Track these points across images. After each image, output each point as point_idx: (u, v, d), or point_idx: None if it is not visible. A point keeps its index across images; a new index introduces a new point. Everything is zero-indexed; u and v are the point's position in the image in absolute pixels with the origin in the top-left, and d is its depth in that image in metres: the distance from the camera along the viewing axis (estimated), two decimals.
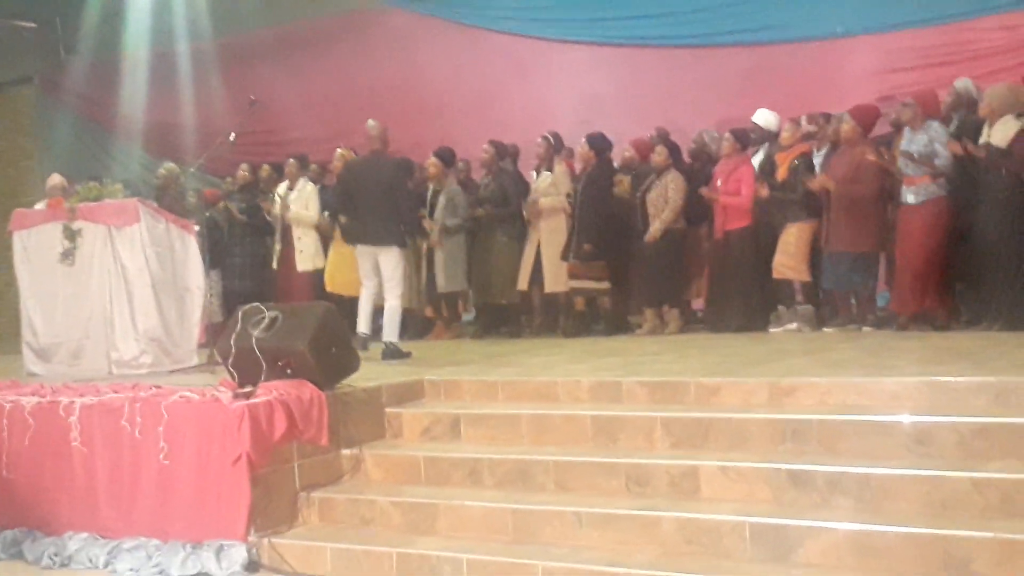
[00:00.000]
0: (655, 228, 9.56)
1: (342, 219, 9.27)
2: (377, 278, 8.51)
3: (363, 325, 8.53)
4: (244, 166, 11.74)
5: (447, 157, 10.71)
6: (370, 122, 8.70)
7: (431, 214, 10.54)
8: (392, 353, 8.28)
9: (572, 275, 9.86)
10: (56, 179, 10.57)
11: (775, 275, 9.11)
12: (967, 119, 8.57)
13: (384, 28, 13.91)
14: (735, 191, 9.28)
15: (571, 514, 5.16)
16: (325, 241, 10.99)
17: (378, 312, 8.60)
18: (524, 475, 5.67)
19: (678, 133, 10.51)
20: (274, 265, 11.08)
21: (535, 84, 12.69)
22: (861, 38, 10.81)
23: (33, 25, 16.83)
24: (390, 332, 8.39)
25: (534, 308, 10.62)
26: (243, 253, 11.28)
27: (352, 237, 8.78)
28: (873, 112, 8.95)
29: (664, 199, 9.58)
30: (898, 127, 8.92)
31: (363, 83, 13.72)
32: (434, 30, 13.58)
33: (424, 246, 10.69)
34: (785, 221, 9.06)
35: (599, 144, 10.04)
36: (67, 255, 8.70)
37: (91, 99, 16.27)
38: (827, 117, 9.66)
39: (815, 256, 9.02)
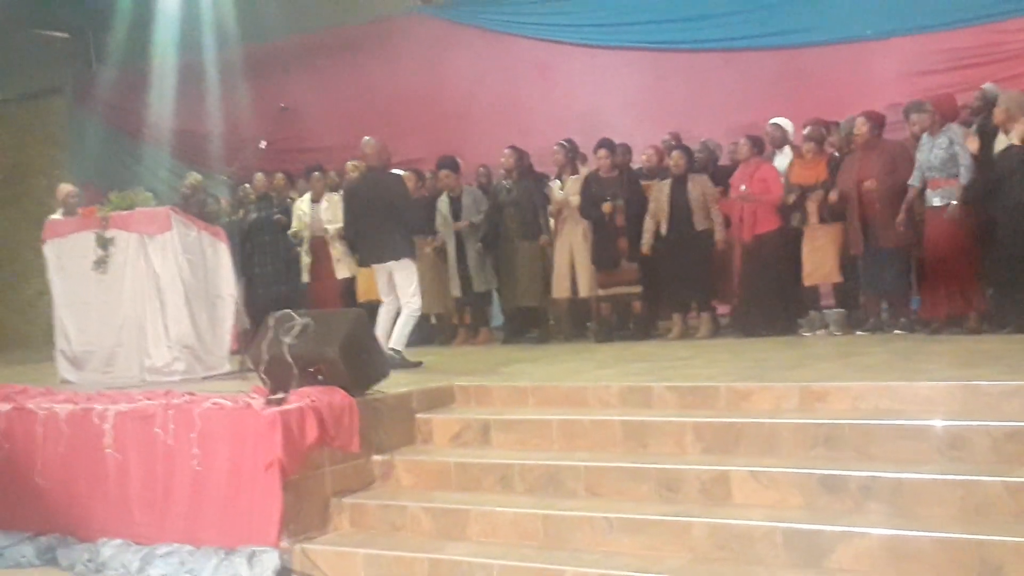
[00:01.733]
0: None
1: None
2: (394, 293, 8.47)
3: (383, 339, 8.30)
4: (259, 175, 11.70)
5: (452, 164, 10.70)
6: (365, 139, 8.66)
7: (455, 218, 10.57)
8: (397, 362, 7.97)
9: (602, 282, 9.85)
10: (67, 188, 10.62)
11: (806, 282, 9.08)
12: (986, 122, 8.52)
13: (409, 35, 13.95)
14: (763, 191, 9.24)
15: (602, 519, 5.15)
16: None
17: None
18: (554, 480, 5.67)
19: (695, 139, 10.47)
20: (305, 278, 11.09)
21: (560, 89, 12.71)
22: (890, 41, 10.77)
23: (65, 36, 17.01)
24: (398, 340, 8.28)
25: (563, 313, 10.61)
26: (263, 262, 11.27)
27: (364, 259, 8.80)
28: (881, 117, 8.89)
29: (704, 200, 9.54)
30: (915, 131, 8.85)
31: (388, 90, 13.77)
32: (459, 36, 13.62)
33: (451, 252, 10.69)
34: (807, 223, 9.01)
35: (616, 149, 10.02)
36: (100, 263, 8.78)
37: (122, 108, 16.39)
38: (827, 127, 9.58)
39: (844, 259, 8.96)
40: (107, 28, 16.05)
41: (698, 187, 9.58)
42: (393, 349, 8.17)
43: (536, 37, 13.15)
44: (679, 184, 9.62)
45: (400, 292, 8.40)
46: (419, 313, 8.52)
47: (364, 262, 8.79)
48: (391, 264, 8.41)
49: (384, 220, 8.36)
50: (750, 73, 11.49)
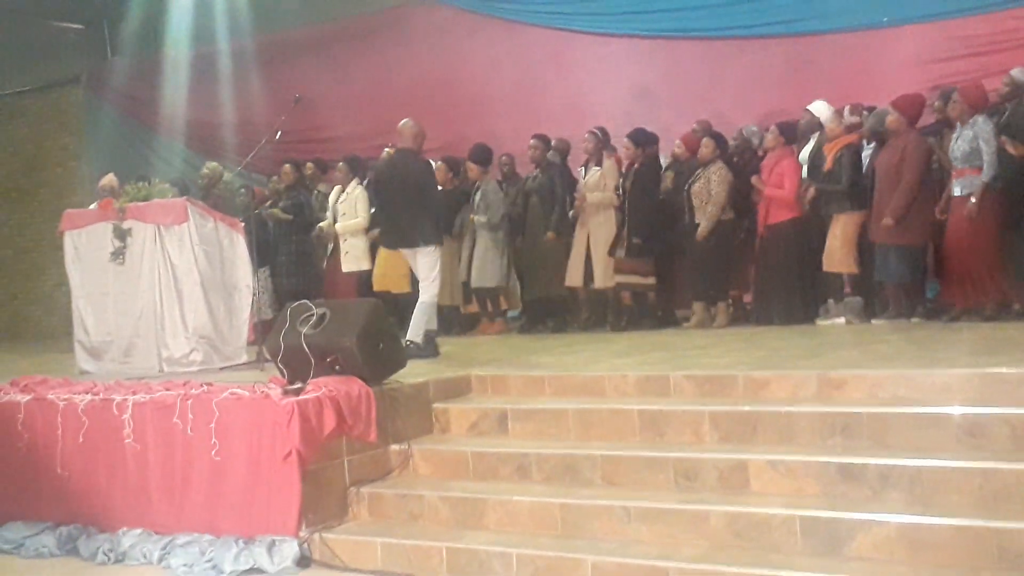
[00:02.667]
0: (703, 228, 9.53)
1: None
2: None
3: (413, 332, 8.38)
4: (287, 165, 11.77)
5: (481, 158, 10.68)
6: (404, 121, 8.54)
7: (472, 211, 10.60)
8: (414, 351, 7.91)
9: (619, 271, 9.85)
10: (110, 179, 10.67)
11: (824, 268, 9.07)
12: (1018, 110, 8.47)
13: (424, 24, 13.93)
14: (778, 184, 9.24)
15: (619, 508, 5.16)
16: (374, 244, 11.02)
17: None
18: (572, 469, 5.68)
19: (724, 126, 10.46)
20: (323, 264, 11.16)
21: (576, 78, 12.67)
22: (906, 27, 10.69)
23: (80, 26, 17.04)
24: (414, 331, 8.23)
25: (580, 303, 10.62)
26: (289, 251, 11.35)
27: (388, 242, 8.80)
28: (919, 101, 8.86)
29: (708, 192, 9.55)
30: (945, 122, 8.81)
31: (404, 79, 13.75)
32: (474, 25, 13.59)
33: (465, 243, 10.72)
34: (831, 212, 9.00)
35: (642, 139, 10.02)
36: (117, 254, 8.82)
37: (137, 98, 16.43)
38: (870, 109, 9.58)
39: (863, 247, 8.94)
40: (122, 19, 16.09)
41: (704, 179, 9.58)
42: (410, 341, 8.13)
43: (550, 26, 13.12)
44: (693, 175, 9.66)
45: (420, 277, 8.39)
46: (435, 300, 8.45)
47: (389, 245, 8.75)
48: (416, 250, 8.37)
49: (410, 204, 8.30)
50: (766, 61, 11.44)
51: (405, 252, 8.56)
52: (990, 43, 10.19)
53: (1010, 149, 8.02)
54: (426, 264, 8.34)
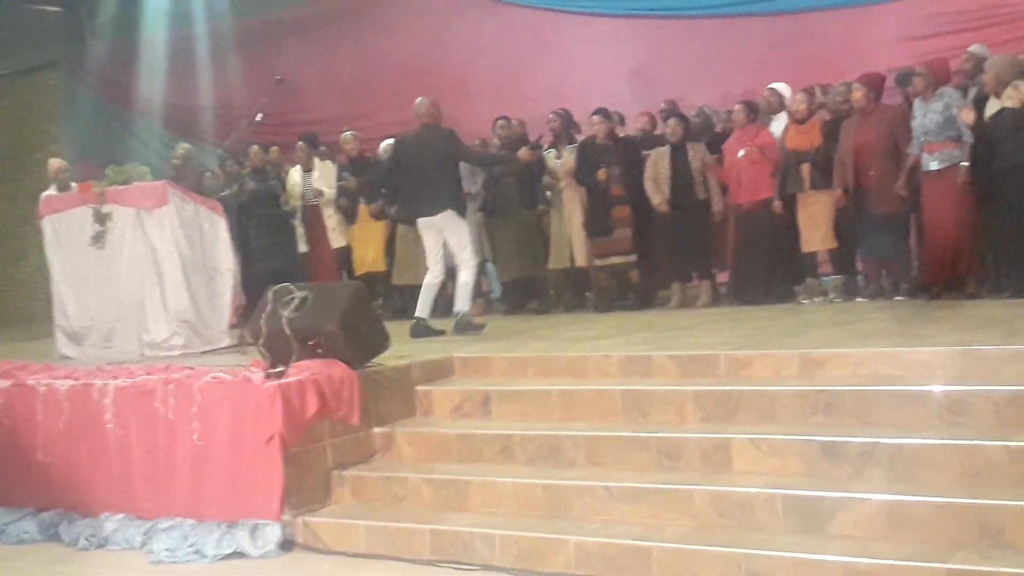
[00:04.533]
0: (718, 204, 9.51)
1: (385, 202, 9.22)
2: (443, 262, 8.45)
3: (423, 310, 8.38)
4: (255, 148, 11.53)
5: None
6: (419, 100, 8.62)
7: None
8: (466, 326, 8.23)
9: (600, 254, 9.82)
10: (56, 163, 10.57)
11: (804, 249, 9.07)
12: (980, 86, 8.50)
13: (407, 4, 13.88)
14: (758, 157, 9.20)
15: (602, 489, 5.17)
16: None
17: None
18: (555, 450, 5.68)
19: (703, 104, 10.43)
20: (303, 248, 11.10)
21: (559, 58, 12.65)
22: (888, 5, 10.70)
23: (58, 10, 16.91)
24: (463, 302, 8.34)
25: (561, 284, 10.59)
26: (260, 235, 11.23)
27: (411, 213, 8.72)
28: (882, 79, 8.85)
29: (704, 168, 9.50)
30: (908, 98, 8.81)
31: (386, 60, 13.71)
32: (457, 5, 13.56)
33: None
34: (803, 189, 8.99)
35: (610, 116, 9.99)
36: (98, 239, 8.76)
37: (116, 83, 16.33)
38: (824, 89, 9.56)
39: (840, 224, 8.93)
40: (100, 2, 15.98)
41: (698, 155, 9.55)
42: (462, 313, 8.29)
43: (533, 6, 13.07)
44: (679, 152, 9.58)
45: (456, 253, 8.41)
46: (476, 270, 8.61)
47: (411, 216, 8.72)
48: (440, 220, 8.35)
49: (438, 174, 8.34)
50: (748, 40, 11.44)
51: (427, 223, 8.45)
52: (974, 19, 10.21)
53: (968, 119, 8.04)
54: (455, 234, 8.39)
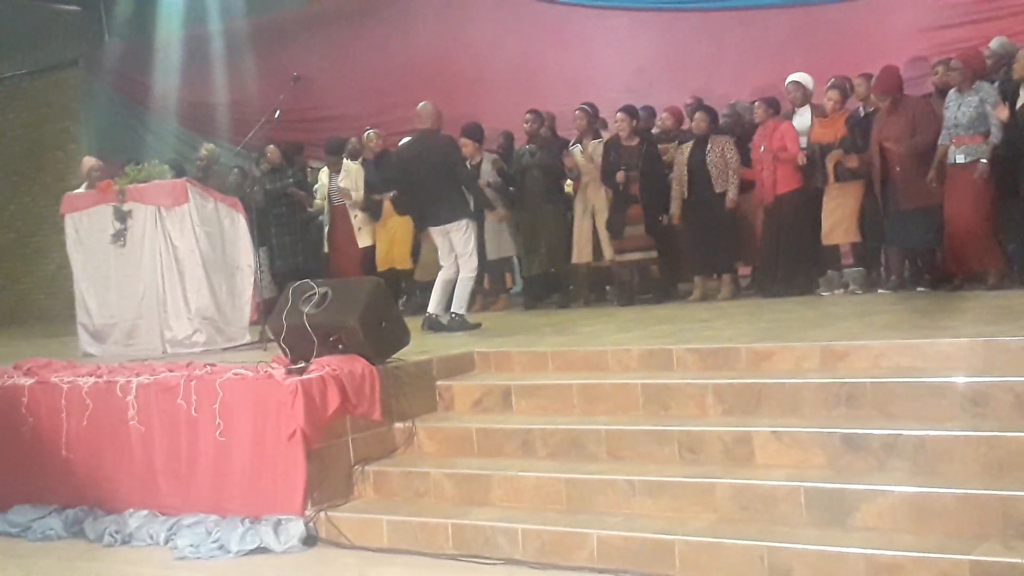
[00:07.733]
0: (732, 194, 9.49)
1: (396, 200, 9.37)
2: (453, 256, 8.53)
3: (434, 305, 8.51)
4: (271, 147, 11.58)
5: (476, 135, 10.65)
6: (422, 104, 8.67)
7: None
8: (458, 324, 8.32)
9: (620, 249, 9.82)
10: (90, 162, 10.62)
11: (825, 242, 9.04)
12: (1006, 79, 8.43)
13: (422, 0, 13.86)
14: (780, 147, 9.18)
15: (624, 482, 5.17)
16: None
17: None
18: (576, 444, 5.69)
19: (723, 99, 10.39)
20: (325, 249, 11.13)
21: (575, 53, 12.58)
22: None
23: (77, 9, 16.97)
24: (459, 304, 8.42)
25: (582, 278, 10.59)
26: (281, 233, 11.28)
27: (421, 222, 8.88)
28: (896, 73, 8.80)
29: (724, 163, 9.49)
30: (942, 89, 8.74)
31: (401, 57, 13.67)
32: (471, 0, 13.51)
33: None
34: (827, 183, 8.95)
35: (635, 113, 9.99)
36: (118, 236, 8.83)
37: (135, 80, 16.35)
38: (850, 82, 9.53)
39: (864, 217, 8.90)
40: (118, 0, 16.02)
41: (718, 149, 9.53)
42: (455, 313, 8.36)
43: (549, 1, 13.03)
44: (699, 146, 9.58)
45: (459, 253, 8.49)
46: (476, 274, 8.66)
47: (422, 225, 8.81)
48: (450, 226, 8.46)
49: (439, 182, 8.42)
50: (766, 32, 11.35)
51: (435, 232, 8.62)
52: (992, 10, 10.10)
53: (1003, 116, 7.98)
54: (461, 238, 8.47)
